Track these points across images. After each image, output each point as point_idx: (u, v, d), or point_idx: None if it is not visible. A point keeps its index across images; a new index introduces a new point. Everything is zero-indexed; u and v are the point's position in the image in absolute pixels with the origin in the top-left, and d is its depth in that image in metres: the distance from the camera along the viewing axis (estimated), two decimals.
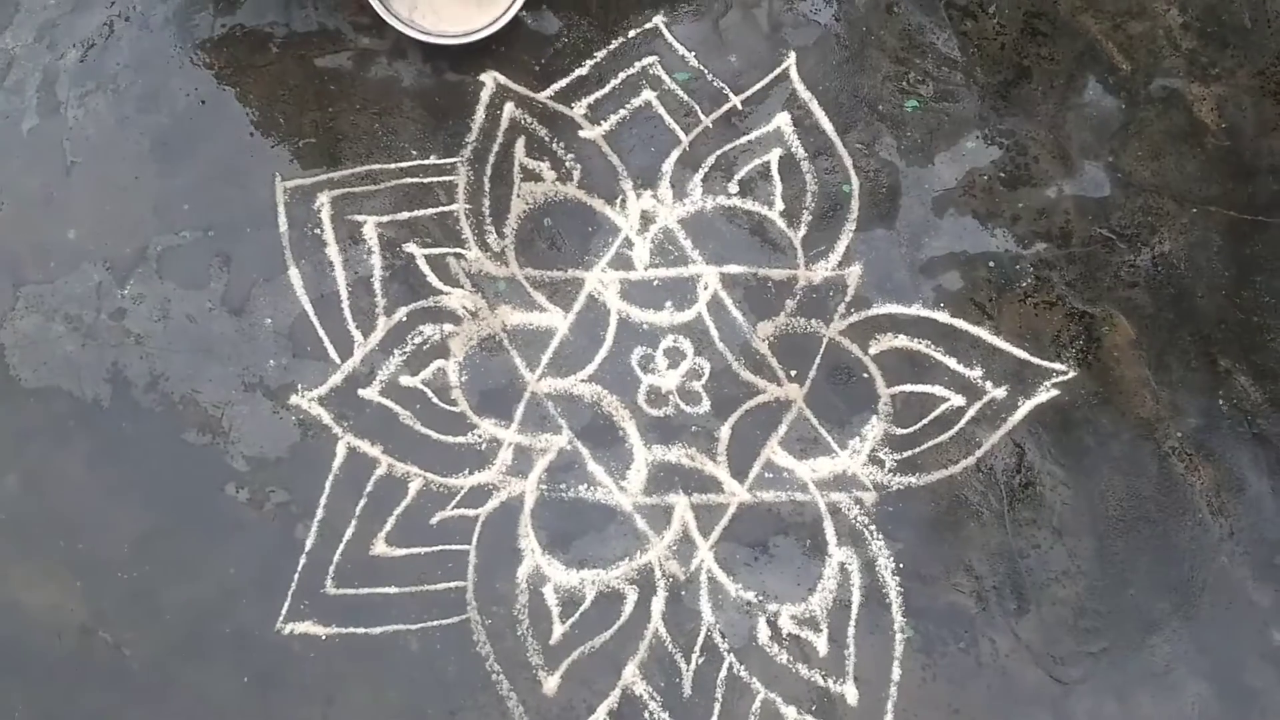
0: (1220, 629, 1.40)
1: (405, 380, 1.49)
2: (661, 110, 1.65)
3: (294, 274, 1.53)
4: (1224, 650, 1.39)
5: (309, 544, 1.40)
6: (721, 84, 1.67)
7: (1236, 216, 1.61)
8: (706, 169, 1.62)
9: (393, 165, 1.60)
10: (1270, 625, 1.40)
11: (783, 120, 1.66)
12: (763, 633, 1.39)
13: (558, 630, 1.38)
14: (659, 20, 1.69)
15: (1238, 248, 1.59)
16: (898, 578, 1.42)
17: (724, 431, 1.48)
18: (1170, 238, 1.59)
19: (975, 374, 1.51)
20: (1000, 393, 1.50)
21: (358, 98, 1.64)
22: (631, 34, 1.70)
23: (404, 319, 1.52)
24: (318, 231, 1.55)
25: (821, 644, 1.39)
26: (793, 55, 1.69)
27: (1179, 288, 1.57)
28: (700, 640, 1.38)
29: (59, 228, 1.54)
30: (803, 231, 1.59)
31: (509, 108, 1.64)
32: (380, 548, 1.40)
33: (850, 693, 1.37)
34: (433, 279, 1.54)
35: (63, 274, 1.52)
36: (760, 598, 1.40)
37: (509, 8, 1.58)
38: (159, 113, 1.61)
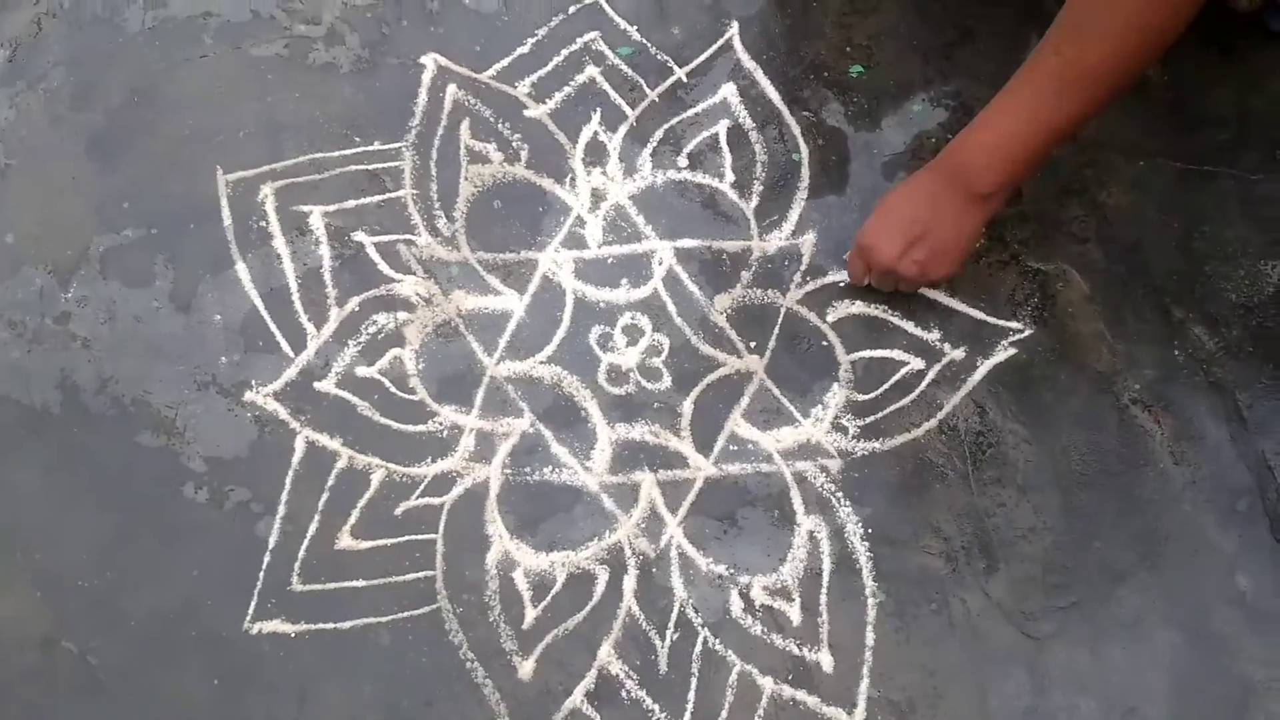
0: (1187, 577, 1.41)
1: (361, 371, 1.47)
2: (606, 86, 1.64)
3: (241, 268, 1.50)
4: (1191, 598, 1.40)
5: (272, 541, 1.38)
6: (665, 57, 1.66)
7: (1183, 167, 1.62)
8: (655, 143, 1.61)
9: (336, 153, 1.58)
10: (1235, 570, 1.41)
11: (729, 91, 1.65)
12: (735, 605, 1.38)
13: (530, 615, 1.37)
14: None
15: (1186, 198, 1.60)
16: (867, 543, 1.42)
17: (686, 406, 1.48)
18: (1119, 192, 1.60)
19: (933, 336, 1.52)
20: (959, 354, 1.51)
21: (296, 86, 1.61)
22: (571, 10, 1.68)
23: (356, 309, 1.50)
24: (263, 224, 1.53)
25: (795, 613, 1.38)
26: (735, 25, 1.69)
27: (1129, 241, 1.57)
28: (674, 616, 1.38)
29: None
30: (755, 202, 1.58)
31: (451, 89, 1.62)
32: (345, 541, 1.38)
33: (826, 660, 1.37)
34: (384, 267, 1.52)
35: (2, 279, 1.48)
36: (731, 571, 1.40)
37: None
38: (93, 110, 1.58)
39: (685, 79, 1.65)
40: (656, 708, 1.34)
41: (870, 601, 1.40)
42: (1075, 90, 1.26)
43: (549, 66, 1.65)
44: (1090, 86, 1.25)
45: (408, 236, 1.53)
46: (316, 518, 1.39)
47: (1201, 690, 1.37)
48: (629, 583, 1.39)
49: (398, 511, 1.40)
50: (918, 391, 1.49)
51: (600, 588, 1.39)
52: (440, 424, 1.45)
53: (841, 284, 1.54)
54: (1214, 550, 1.43)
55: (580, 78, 1.64)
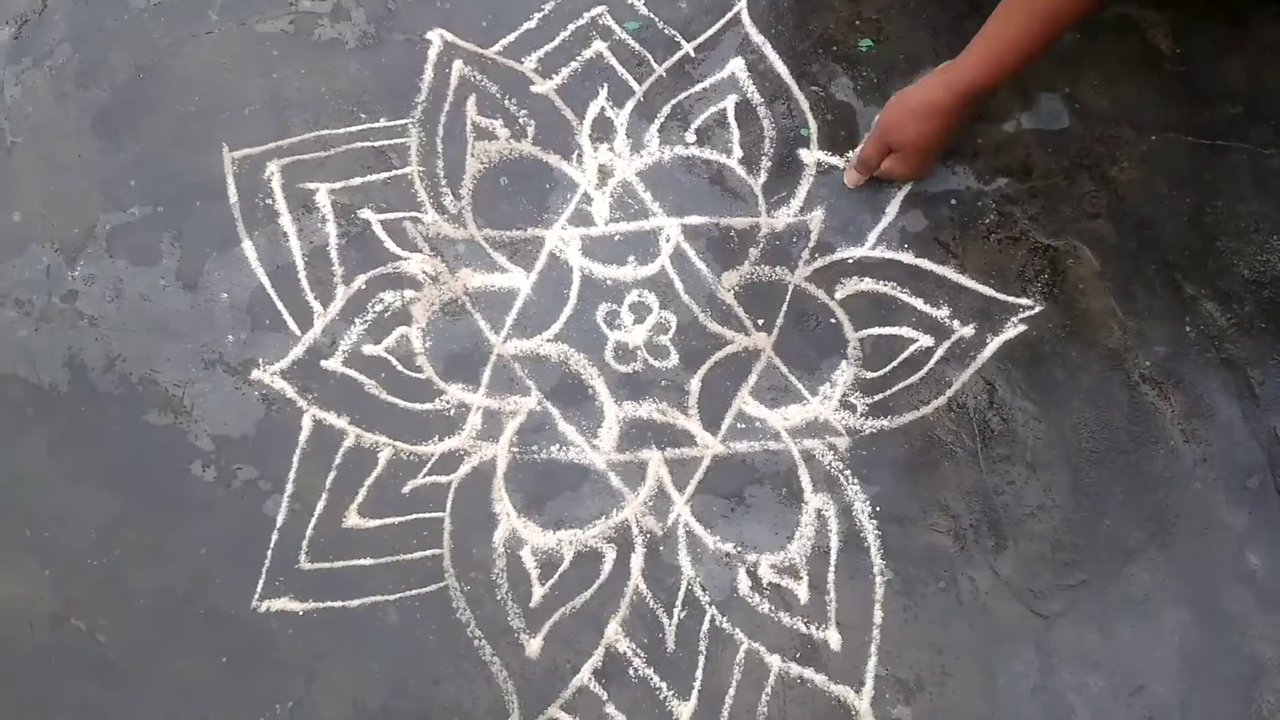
0: (1196, 555, 1.41)
1: (368, 349, 1.46)
2: (613, 61, 1.63)
3: (248, 246, 1.50)
4: (1201, 576, 1.40)
5: (280, 520, 1.38)
6: (673, 32, 1.65)
7: (1195, 142, 1.60)
8: (662, 119, 1.60)
9: (342, 130, 1.57)
10: (1245, 548, 1.41)
11: (737, 66, 1.64)
12: (743, 583, 1.38)
13: (537, 593, 1.37)
14: None
15: (1198, 173, 1.59)
16: (875, 521, 1.41)
17: (694, 384, 1.47)
18: (1130, 167, 1.59)
19: (942, 313, 1.51)
20: (968, 331, 1.50)
21: (302, 62, 1.60)
22: None
23: (363, 287, 1.49)
24: (269, 201, 1.52)
25: (802, 591, 1.38)
26: None
27: (1141, 217, 1.56)
28: (681, 594, 1.37)
29: (2, 211, 1.50)
30: (763, 178, 1.57)
31: (458, 65, 1.61)
32: (353, 520, 1.39)
33: (833, 638, 1.37)
34: (390, 245, 1.51)
35: (9, 258, 1.48)
36: (739, 549, 1.40)
37: None
38: (99, 87, 1.57)
39: (693, 54, 1.64)
40: (664, 685, 1.34)
41: (878, 580, 1.40)
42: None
43: (556, 41, 1.64)
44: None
45: (414, 214, 1.53)
46: (324, 496, 1.39)
47: (1211, 668, 1.37)
48: (636, 561, 1.39)
49: (405, 490, 1.40)
50: (927, 369, 1.49)
51: (608, 566, 1.39)
52: (447, 402, 1.45)
53: (850, 260, 1.53)
54: (1224, 528, 1.43)
55: (587, 53, 1.63)
